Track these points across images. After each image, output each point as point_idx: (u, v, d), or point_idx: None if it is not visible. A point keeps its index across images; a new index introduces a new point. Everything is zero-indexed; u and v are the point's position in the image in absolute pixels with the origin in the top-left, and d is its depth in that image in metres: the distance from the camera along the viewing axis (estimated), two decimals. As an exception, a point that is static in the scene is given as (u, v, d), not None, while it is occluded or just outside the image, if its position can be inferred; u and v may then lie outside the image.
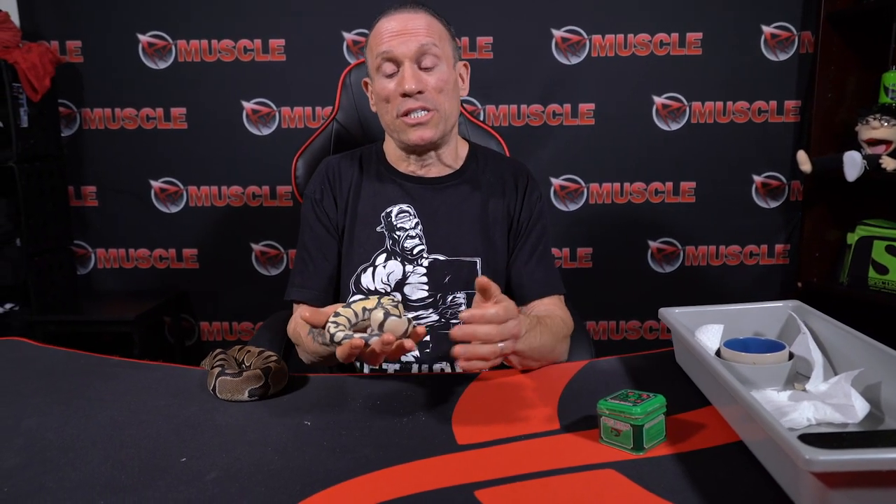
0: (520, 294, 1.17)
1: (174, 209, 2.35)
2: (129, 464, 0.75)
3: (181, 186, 2.34)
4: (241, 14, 2.23)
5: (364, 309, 0.87)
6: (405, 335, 0.81)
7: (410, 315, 1.13)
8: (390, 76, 1.09)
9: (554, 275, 1.20)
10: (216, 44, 2.25)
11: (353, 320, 0.86)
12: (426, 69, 1.09)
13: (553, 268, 1.21)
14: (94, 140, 2.32)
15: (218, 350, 1.06)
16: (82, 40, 2.27)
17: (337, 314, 0.86)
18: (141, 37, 2.25)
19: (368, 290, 1.15)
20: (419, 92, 1.07)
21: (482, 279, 0.85)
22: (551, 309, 1.14)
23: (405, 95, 1.07)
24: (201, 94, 2.27)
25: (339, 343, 0.81)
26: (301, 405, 0.93)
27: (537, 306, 1.16)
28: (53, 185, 2.28)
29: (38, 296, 2.19)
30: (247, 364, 1.04)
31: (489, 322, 0.84)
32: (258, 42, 2.25)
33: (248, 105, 2.28)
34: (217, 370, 0.96)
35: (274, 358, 1.00)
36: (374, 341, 0.79)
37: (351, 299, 0.91)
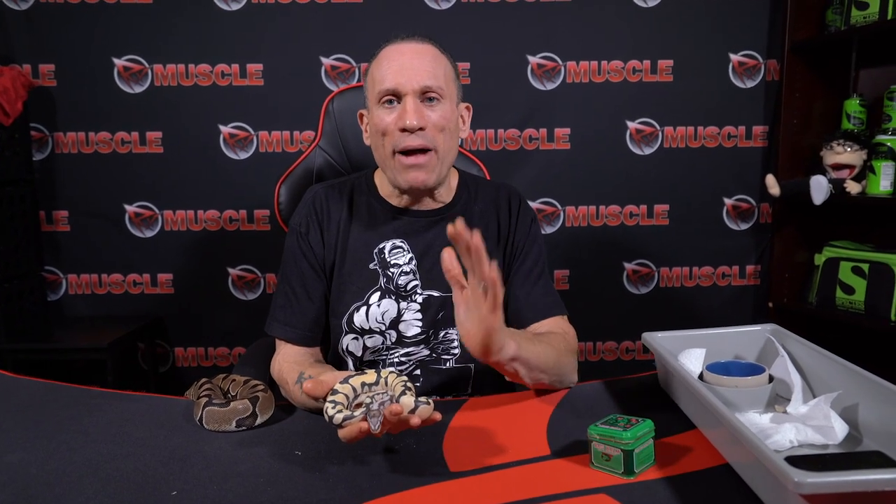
0: (519, 317, 1.14)
1: (149, 234, 2.32)
2: (118, 498, 0.74)
3: (156, 211, 2.31)
4: (218, 39, 2.23)
5: (363, 384, 0.85)
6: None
7: (403, 351, 1.14)
8: (390, 109, 1.05)
9: (553, 296, 1.16)
10: (193, 68, 2.25)
11: (351, 397, 0.83)
12: (429, 105, 1.05)
13: (552, 289, 1.18)
14: (66, 164, 2.29)
15: (203, 379, 1.05)
16: (56, 64, 2.25)
17: (335, 391, 0.82)
18: (116, 61, 2.24)
19: (362, 329, 1.12)
20: (420, 129, 1.03)
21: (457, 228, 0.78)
22: (552, 328, 1.11)
23: (404, 131, 1.03)
24: (178, 119, 2.27)
25: (339, 425, 0.78)
26: (290, 434, 0.92)
27: (540, 328, 1.13)
28: (24, 209, 2.24)
29: (7, 323, 2.13)
30: (233, 393, 1.03)
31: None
32: (236, 67, 2.25)
33: (225, 129, 2.28)
34: (204, 400, 0.95)
35: (261, 387, 0.99)
36: (379, 419, 0.76)
37: (347, 375, 0.87)
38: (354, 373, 0.87)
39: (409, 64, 1.04)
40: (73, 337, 2.21)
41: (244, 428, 0.93)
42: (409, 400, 0.79)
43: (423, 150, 1.05)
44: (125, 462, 0.82)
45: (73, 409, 0.99)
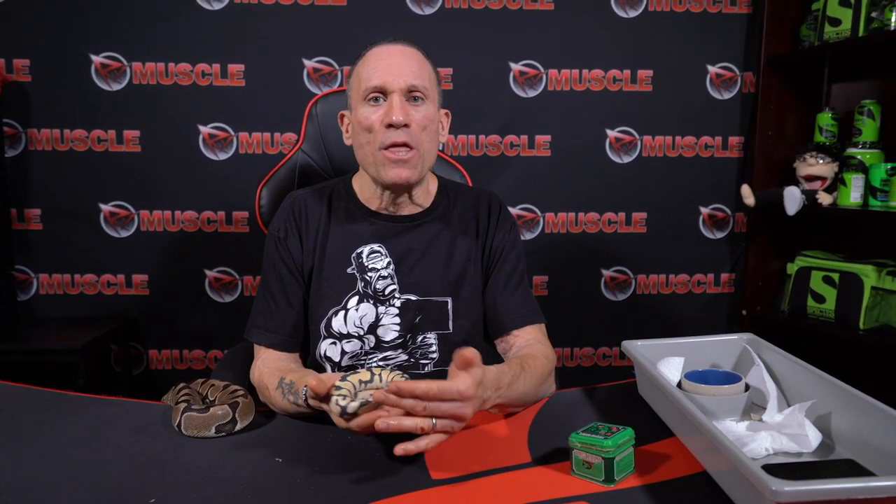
0: (498, 323, 1.15)
1: (124, 234, 2.29)
2: (95, 506, 0.73)
3: (132, 210, 2.28)
4: (199, 38, 2.21)
5: (360, 381, 0.85)
6: None
7: (381, 355, 1.13)
8: (376, 106, 1.07)
9: (532, 303, 1.17)
10: (173, 67, 2.22)
11: (353, 392, 0.84)
12: (413, 105, 1.07)
13: (531, 296, 1.18)
14: (40, 161, 2.24)
15: (181, 384, 1.04)
16: (31, 59, 2.20)
17: (338, 387, 0.83)
18: (94, 57, 2.20)
19: (340, 333, 1.12)
20: (405, 125, 1.05)
21: (467, 352, 0.80)
22: (532, 343, 1.11)
23: (390, 127, 1.05)
24: (156, 118, 2.23)
25: (354, 413, 0.79)
26: (270, 440, 0.92)
27: (518, 337, 1.13)
28: (-5, 207, 2.19)
29: (-25, 323, 2.09)
30: (211, 398, 1.02)
31: (417, 397, 0.77)
32: (217, 66, 2.23)
33: (204, 129, 2.25)
34: (182, 405, 0.94)
35: (241, 392, 0.98)
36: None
37: (343, 375, 0.88)
38: (349, 372, 0.88)
39: (396, 64, 1.07)
40: (44, 338, 2.16)
41: (224, 434, 0.92)
42: None
43: (406, 147, 1.06)
44: (102, 468, 0.81)
45: (47, 414, 0.97)
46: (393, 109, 1.05)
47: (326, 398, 0.83)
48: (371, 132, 1.07)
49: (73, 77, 2.20)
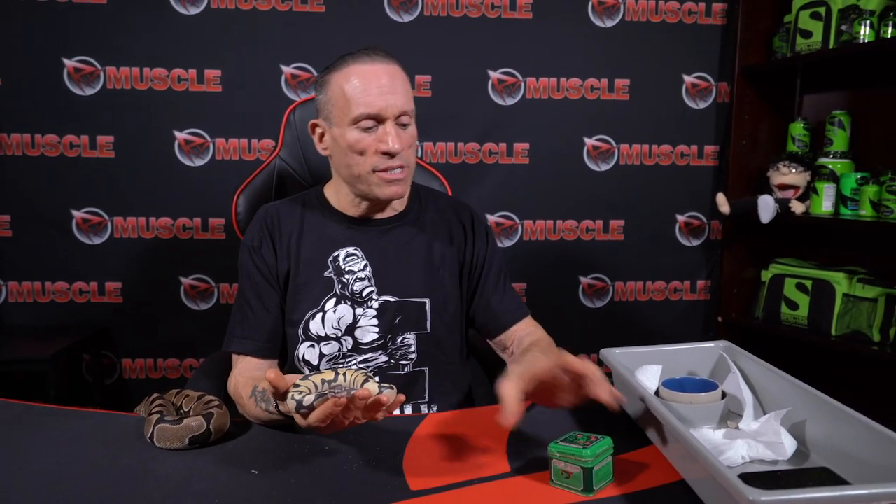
0: (496, 324, 1.19)
1: (97, 240, 2.25)
2: (64, 522, 0.71)
3: (106, 217, 2.24)
4: (175, 43, 2.18)
5: (323, 381, 0.85)
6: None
7: (360, 358, 1.13)
8: (367, 130, 1.07)
9: (519, 299, 1.24)
10: (148, 72, 2.19)
11: (314, 391, 0.83)
12: (402, 126, 1.09)
13: (516, 293, 1.25)
14: (10, 167, 2.19)
15: (154, 395, 1.02)
16: (1, 62, 2.16)
17: (297, 385, 0.82)
18: (66, 61, 2.17)
19: (318, 336, 1.12)
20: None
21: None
22: (532, 331, 1.17)
23: (385, 153, 1.07)
24: (131, 123, 2.20)
25: (310, 406, 0.78)
26: (245, 452, 0.90)
27: (518, 331, 1.18)
28: (-37, 213, 2.14)
29: (-59, 332, 2.03)
30: (185, 409, 1.00)
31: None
32: (193, 72, 2.20)
33: (180, 135, 2.22)
34: (155, 417, 0.92)
35: (215, 403, 0.97)
36: (354, 392, 0.77)
37: (307, 374, 0.88)
38: (312, 373, 0.87)
39: (388, 88, 1.07)
40: (13, 348, 2.11)
41: (198, 445, 0.90)
42: (373, 386, 0.80)
43: (400, 168, 1.09)
44: (73, 483, 0.79)
45: (14, 427, 0.95)
46: (389, 138, 1.06)
47: (285, 395, 0.83)
48: (363, 155, 1.08)
49: (46, 81, 2.17)
